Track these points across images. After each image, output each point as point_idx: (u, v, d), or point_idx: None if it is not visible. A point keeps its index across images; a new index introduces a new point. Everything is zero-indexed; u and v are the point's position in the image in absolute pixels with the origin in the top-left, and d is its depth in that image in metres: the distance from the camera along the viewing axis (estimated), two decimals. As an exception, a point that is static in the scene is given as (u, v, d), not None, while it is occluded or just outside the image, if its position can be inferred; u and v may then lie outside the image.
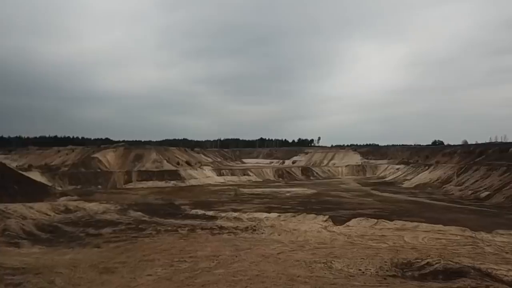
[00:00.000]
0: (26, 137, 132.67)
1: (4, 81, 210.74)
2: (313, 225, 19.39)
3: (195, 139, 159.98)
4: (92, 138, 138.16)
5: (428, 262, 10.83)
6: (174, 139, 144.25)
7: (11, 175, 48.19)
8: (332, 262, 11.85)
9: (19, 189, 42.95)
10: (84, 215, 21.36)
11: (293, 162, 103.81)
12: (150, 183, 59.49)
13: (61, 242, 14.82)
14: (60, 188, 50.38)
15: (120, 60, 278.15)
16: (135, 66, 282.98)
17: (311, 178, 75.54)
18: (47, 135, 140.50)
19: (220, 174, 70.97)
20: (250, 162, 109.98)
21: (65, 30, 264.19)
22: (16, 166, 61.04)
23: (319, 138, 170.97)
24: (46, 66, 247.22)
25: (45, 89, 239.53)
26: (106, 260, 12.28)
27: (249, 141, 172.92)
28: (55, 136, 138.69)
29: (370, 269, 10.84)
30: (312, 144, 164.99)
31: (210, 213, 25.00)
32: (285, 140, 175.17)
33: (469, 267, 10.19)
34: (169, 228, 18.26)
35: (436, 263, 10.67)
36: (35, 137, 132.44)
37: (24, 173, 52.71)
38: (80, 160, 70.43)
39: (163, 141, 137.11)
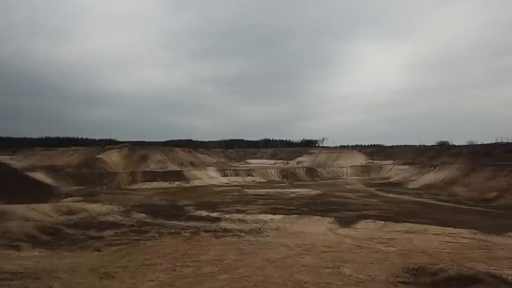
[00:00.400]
0: (30, 137, 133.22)
1: (10, 81, 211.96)
2: (319, 228, 19.00)
3: (200, 140, 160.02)
4: (97, 139, 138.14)
5: (440, 268, 10.41)
6: (179, 140, 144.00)
7: (16, 176, 48.15)
8: (341, 267, 11.47)
9: (23, 190, 42.87)
10: (87, 217, 21.11)
11: (298, 163, 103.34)
12: (154, 184, 59.21)
13: (62, 244, 14.54)
14: (64, 189, 50.24)
15: (126, 61, 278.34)
16: (140, 67, 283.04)
17: (316, 178, 75.01)
18: (52, 136, 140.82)
19: (224, 175, 70.62)
20: (254, 162, 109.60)
21: (71, 32, 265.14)
22: (21, 167, 61.01)
23: (323, 139, 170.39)
24: (51, 67, 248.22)
25: (50, 90, 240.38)
26: (106, 264, 11.98)
27: (253, 141, 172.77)
28: (60, 137, 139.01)
29: (380, 275, 10.44)
30: (317, 145, 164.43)
31: (214, 214, 24.66)
32: (290, 140, 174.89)
33: (484, 273, 9.76)
34: (172, 231, 17.94)
35: (449, 269, 10.25)
36: (40, 138, 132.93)
37: (28, 174, 52.63)
38: (85, 160, 70.43)
39: (167, 141, 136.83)
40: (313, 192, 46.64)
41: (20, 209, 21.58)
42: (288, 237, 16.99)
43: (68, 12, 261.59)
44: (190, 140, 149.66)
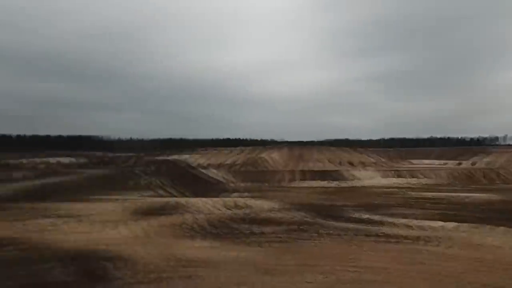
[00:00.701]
0: (204, 139, 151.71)
1: (184, 91, 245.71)
2: (505, 241, 15.97)
3: (357, 139, 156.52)
4: (259, 139, 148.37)
5: None
6: (336, 139, 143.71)
7: (193, 173, 55.02)
8: (539, 293, 9.22)
9: (199, 185, 48.64)
10: (251, 213, 22.31)
11: (473, 164, 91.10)
12: (313, 183, 59.97)
13: (228, 238, 15.55)
14: (232, 185, 55.09)
15: (284, 65, 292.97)
16: (298, 69, 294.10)
17: (497, 182, 64.71)
18: (221, 138, 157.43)
19: (385, 176, 67.00)
20: (419, 162, 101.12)
21: (231, 42, 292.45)
22: (198, 164, 69.36)
23: (506, 136, 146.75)
24: (218, 75, 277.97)
25: (218, 96, 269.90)
26: (267, 260, 12.24)
27: (418, 139, 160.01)
28: (228, 138, 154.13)
29: None
30: (497, 143, 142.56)
31: (375, 217, 23.29)
32: (462, 138, 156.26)
33: None
34: (331, 232, 17.49)
35: None
36: (212, 139, 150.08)
37: (203, 171, 59.51)
38: (249, 159, 76.02)
39: (324, 141, 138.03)
40: (494, 198, 40.15)
41: (194, 202, 24.24)
42: (465, 248, 14.71)
43: (234, 24, 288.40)
44: (347, 139, 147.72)
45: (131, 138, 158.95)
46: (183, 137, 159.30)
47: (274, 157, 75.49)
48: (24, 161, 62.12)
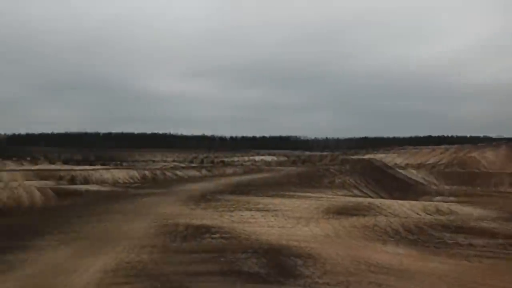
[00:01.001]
0: (401, 137, 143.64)
1: (388, 87, 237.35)
2: None
3: None
4: (468, 136, 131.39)
5: None
6: None
7: (389, 173, 52.49)
8: None
9: (396, 186, 46.11)
10: (456, 220, 19.54)
11: None
12: (542, 189, 49.31)
13: (427, 246, 13.84)
14: (434, 187, 50.29)
15: (499, 50, 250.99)
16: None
17: None
18: (420, 135, 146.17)
19: None
20: None
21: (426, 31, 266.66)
22: (395, 164, 65.90)
23: None
24: (422, 68, 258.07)
25: (413, 91, 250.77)
26: (476, 278, 10.30)
27: None
28: (429, 136, 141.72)
29: None
30: None
31: None
32: None
33: None
34: None
35: None
36: (410, 137, 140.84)
37: (401, 171, 56.12)
38: (455, 159, 68.27)
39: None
40: None
41: (389, 204, 22.76)
42: None
43: (429, 13, 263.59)
44: None
45: (326, 138, 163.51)
46: (379, 135, 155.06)
47: (487, 157, 65.58)
48: (235, 159, 71.35)
